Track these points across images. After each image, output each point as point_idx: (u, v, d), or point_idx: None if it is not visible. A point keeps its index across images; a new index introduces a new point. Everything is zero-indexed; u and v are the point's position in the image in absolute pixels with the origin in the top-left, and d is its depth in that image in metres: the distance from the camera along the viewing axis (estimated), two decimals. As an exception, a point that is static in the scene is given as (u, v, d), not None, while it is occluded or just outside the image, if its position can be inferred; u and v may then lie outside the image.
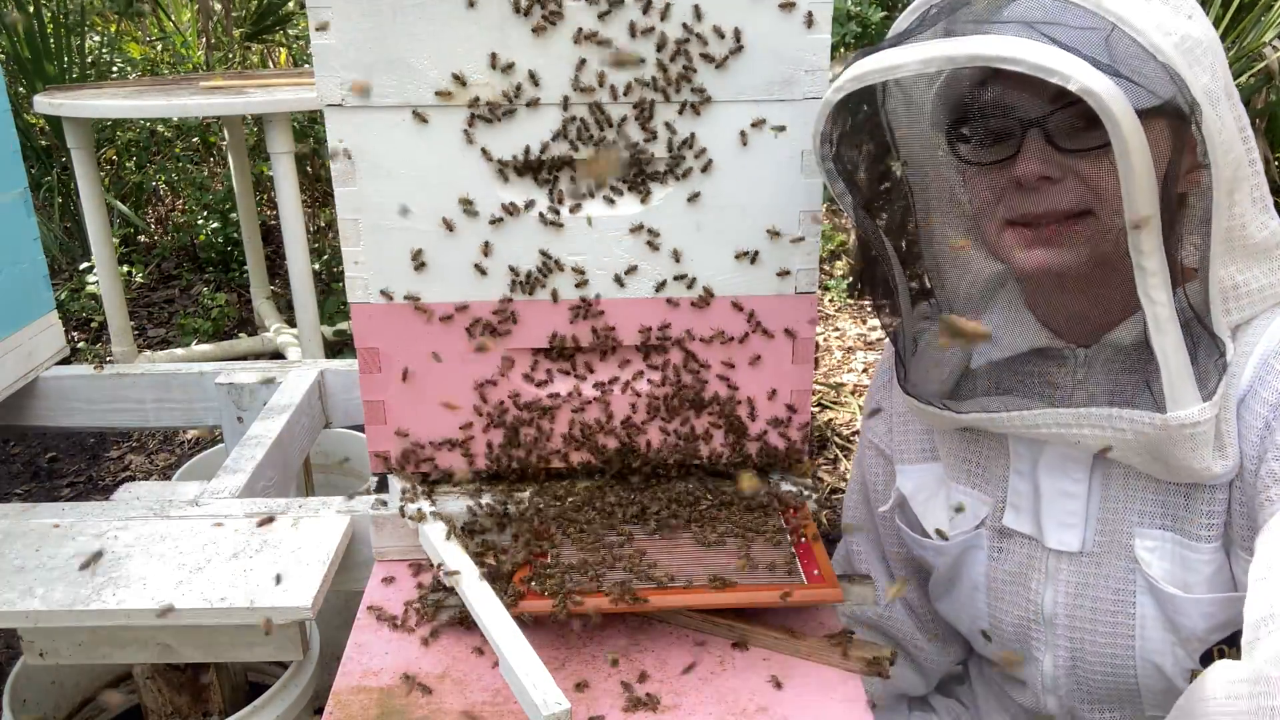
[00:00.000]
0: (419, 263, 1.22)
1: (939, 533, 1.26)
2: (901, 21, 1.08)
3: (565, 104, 1.16)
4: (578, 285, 1.24)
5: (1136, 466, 1.08)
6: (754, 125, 1.17)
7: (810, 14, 1.14)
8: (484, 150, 1.18)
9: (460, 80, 1.15)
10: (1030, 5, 0.97)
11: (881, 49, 0.98)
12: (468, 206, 1.20)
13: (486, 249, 1.22)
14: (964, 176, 1.13)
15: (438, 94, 1.15)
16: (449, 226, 1.21)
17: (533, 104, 1.16)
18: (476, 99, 1.16)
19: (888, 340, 1.25)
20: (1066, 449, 1.12)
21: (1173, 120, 0.96)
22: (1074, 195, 1.01)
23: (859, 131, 1.13)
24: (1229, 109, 1.01)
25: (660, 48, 1.14)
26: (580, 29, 1.13)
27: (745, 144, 1.19)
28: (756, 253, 1.23)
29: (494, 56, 1.14)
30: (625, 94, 1.16)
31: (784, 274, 1.24)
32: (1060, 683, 1.21)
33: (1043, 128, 0.99)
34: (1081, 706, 1.22)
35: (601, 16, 1.13)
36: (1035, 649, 1.22)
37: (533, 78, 1.15)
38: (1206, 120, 0.93)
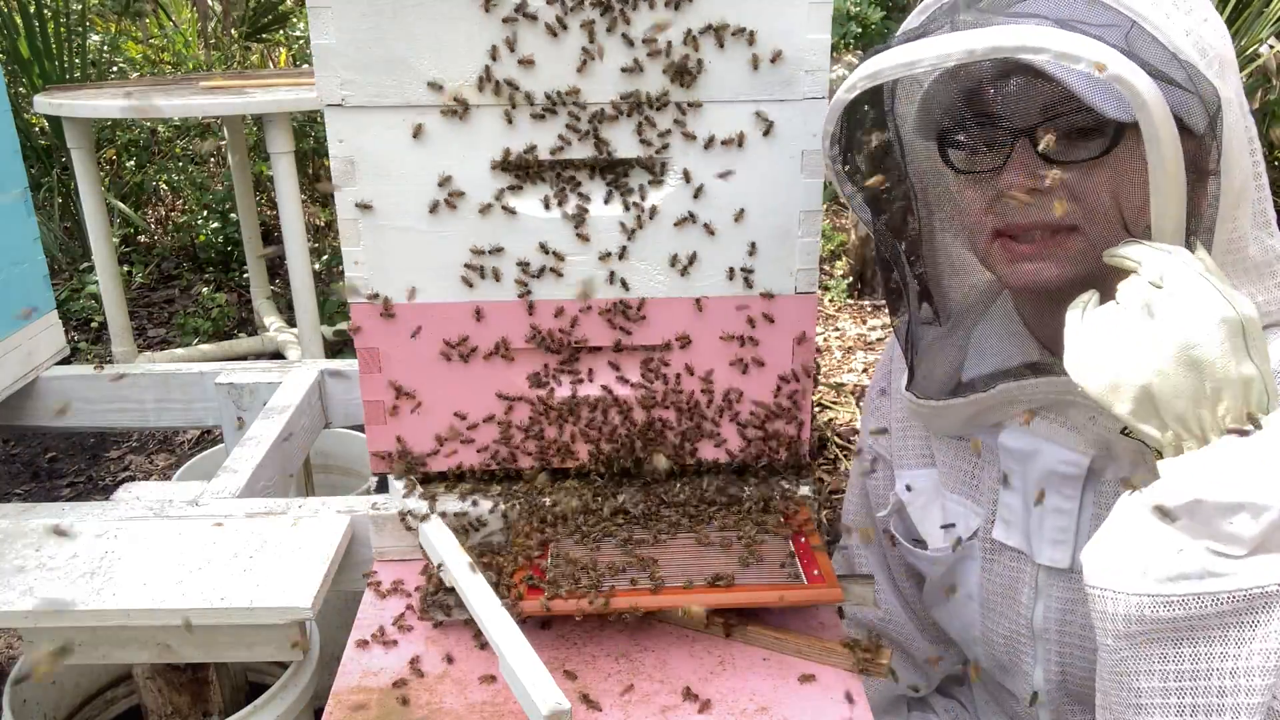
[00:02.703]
0: (419, 262, 1.22)
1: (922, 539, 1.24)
2: (911, 20, 1.06)
3: (561, 103, 1.16)
4: (576, 286, 1.24)
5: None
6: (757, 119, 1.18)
7: (809, 13, 1.14)
8: (484, 150, 1.18)
9: (460, 88, 1.15)
10: (1043, 2, 0.95)
11: (896, 45, 0.96)
12: (467, 206, 1.20)
13: (487, 249, 1.22)
14: (957, 185, 1.12)
15: (437, 93, 1.15)
16: (448, 226, 1.21)
17: (532, 104, 1.16)
18: (470, 100, 1.16)
19: (886, 345, 1.24)
20: (1056, 465, 1.10)
21: (1190, 124, 0.93)
22: (1061, 208, 0.99)
23: (868, 132, 1.11)
24: (1240, 119, 0.98)
25: (661, 50, 1.14)
26: (581, 27, 1.14)
27: (744, 144, 1.19)
28: (756, 253, 1.23)
29: (494, 56, 1.14)
30: (625, 94, 1.16)
31: (784, 274, 1.24)
32: (1052, 696, 1.20)
33: (1032, 138, 0.98)
34: (1073, 716, 1.21)
35: (603, 13, 1.13)
36: (1025, 663, 1.21)
37: (532, 78, 1.15)
38: (1227, 125, 0.91)
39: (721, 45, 1.14)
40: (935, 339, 1.22)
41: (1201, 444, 0.84)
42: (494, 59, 1.14)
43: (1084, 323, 0.91)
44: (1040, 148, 0.97)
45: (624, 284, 1.24)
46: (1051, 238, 1.01)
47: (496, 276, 1.23)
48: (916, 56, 0.92)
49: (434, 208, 1.20)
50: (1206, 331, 0.83)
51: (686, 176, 1.20)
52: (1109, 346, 0.87)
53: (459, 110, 1.16)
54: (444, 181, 1.19)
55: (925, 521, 1.26)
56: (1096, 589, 0.86)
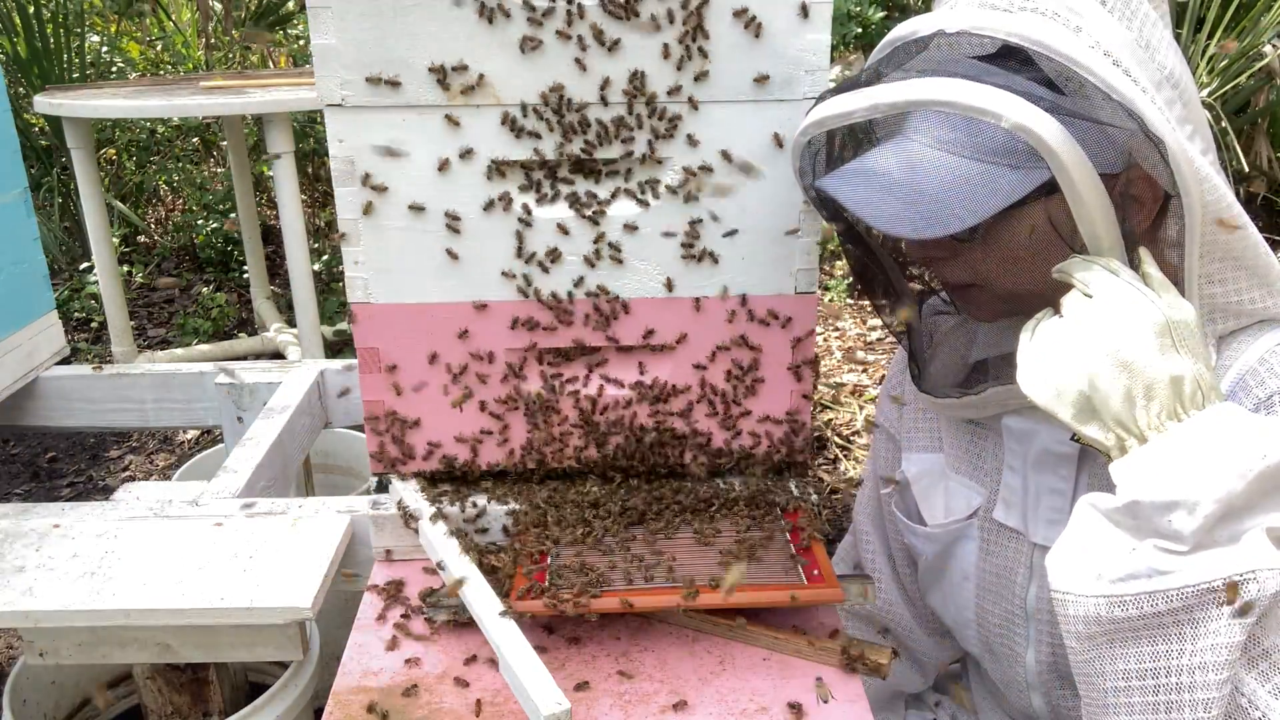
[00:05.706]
0: (419, 262, 1.22)
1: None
2: (873, 57, 1.07)
3: (559, 102, 1.16)
4: (576, 285, 1.24)
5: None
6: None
7: (809, 13, 1.14)
8: (483, 150, 1.18)
9: (454, 84, 1.15)
10: (982, 51, 0.97)
11: (843, 91, 0.99)
12: (467, 207, 1.20)
13: (487, 249, 1.22)
14: None
15: (439, 89, 1.15)
16: (449, 227, 1.21)
17: (532, 104, 1.16)
18: (473, 92, 1.16)
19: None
20: (1052, 444, 1.13)
21: (1132, 153, 0.96)
22: (963, 272, 1.07)
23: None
24: (1201, 143, 0.99)
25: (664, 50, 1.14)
26: (581, 27, 1.13)
27: (743, 144, 1.19)
28: (757, 253, 1.23)
29: (497, 54, 1.14)
30: (627, 94, 1.16)
31: (784, 274, 1.24)
32: (1044, 679, 1.21)
33: None
34: (1064, 700, 1.22)
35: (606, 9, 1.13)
36: (1018, 645, 1.22)
37: (531, 76, 1.15)
38: (1173, 152, 0.92)
39: (723, 42, 1.14)
40: (951, 329, 1.24)
41: (1143, 443, 0.88)
42: (497, 58, 1.14)
43: (1032, 338, 0.95)
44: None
45: (622, 287, 1.24)
46: (967, 291, 1.10)
47: (496, 276, 1.23)
48: (851, 107, 0.97)
49: (434, 209, 1.20)
50: (1132, 334, 0.88)
51: (685, 175, 1.20)
52: (1050, 357, 0.92)
53: (460, 108, 1.16)
54: (445, 182, 1.19)
55: (927, 502, 1.28)
56: (1058, 593, 0.89)
